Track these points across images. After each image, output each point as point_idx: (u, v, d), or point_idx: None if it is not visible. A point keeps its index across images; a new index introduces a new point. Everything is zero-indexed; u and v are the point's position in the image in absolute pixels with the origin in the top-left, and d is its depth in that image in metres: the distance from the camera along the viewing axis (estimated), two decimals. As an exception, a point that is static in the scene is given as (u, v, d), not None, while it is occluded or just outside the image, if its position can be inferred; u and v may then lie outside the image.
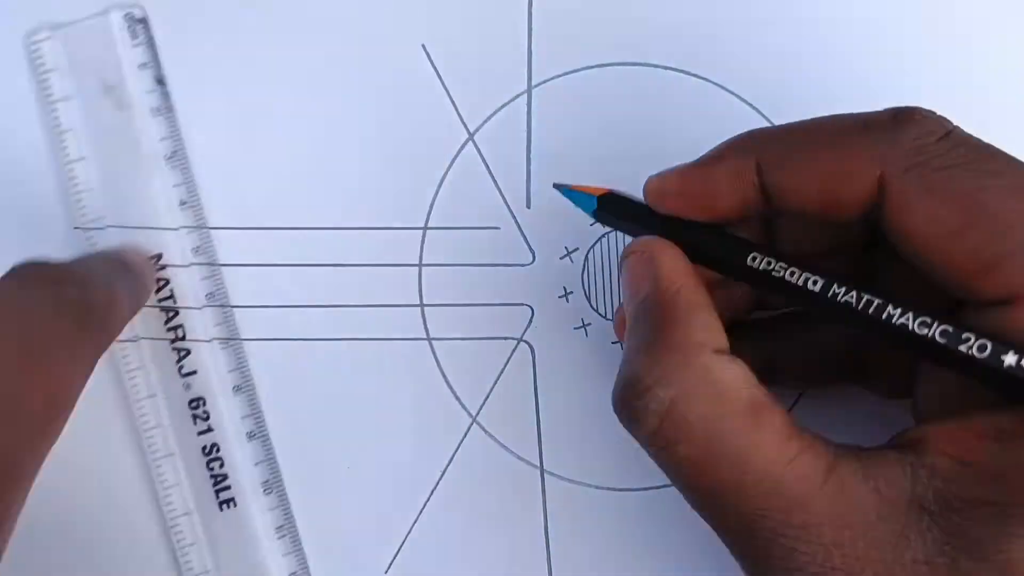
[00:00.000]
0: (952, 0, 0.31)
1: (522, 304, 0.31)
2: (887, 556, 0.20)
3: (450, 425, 0.31)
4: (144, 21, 0.30)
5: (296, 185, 0.31)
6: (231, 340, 0.31)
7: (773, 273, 0.22)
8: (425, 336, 0.31)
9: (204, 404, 0.30)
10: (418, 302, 0.31)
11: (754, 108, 0.31)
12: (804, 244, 0.25)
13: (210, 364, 0.30)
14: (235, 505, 0.30)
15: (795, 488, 0.20)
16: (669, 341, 0.22)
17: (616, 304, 0.31)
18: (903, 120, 0.22)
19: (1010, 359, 0.20)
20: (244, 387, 0.31)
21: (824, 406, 0.29)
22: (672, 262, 0.23)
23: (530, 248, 0.31)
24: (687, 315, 0.22)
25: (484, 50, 0.31)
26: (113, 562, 0.30)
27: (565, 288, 0.31)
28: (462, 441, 0.31)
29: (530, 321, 0.31)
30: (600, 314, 0.31)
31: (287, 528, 0.30)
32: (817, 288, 0.22)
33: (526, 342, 0.31)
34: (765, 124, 0.31)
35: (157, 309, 0.30)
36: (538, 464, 0.31)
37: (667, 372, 0.21)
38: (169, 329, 0.30)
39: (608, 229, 0.30)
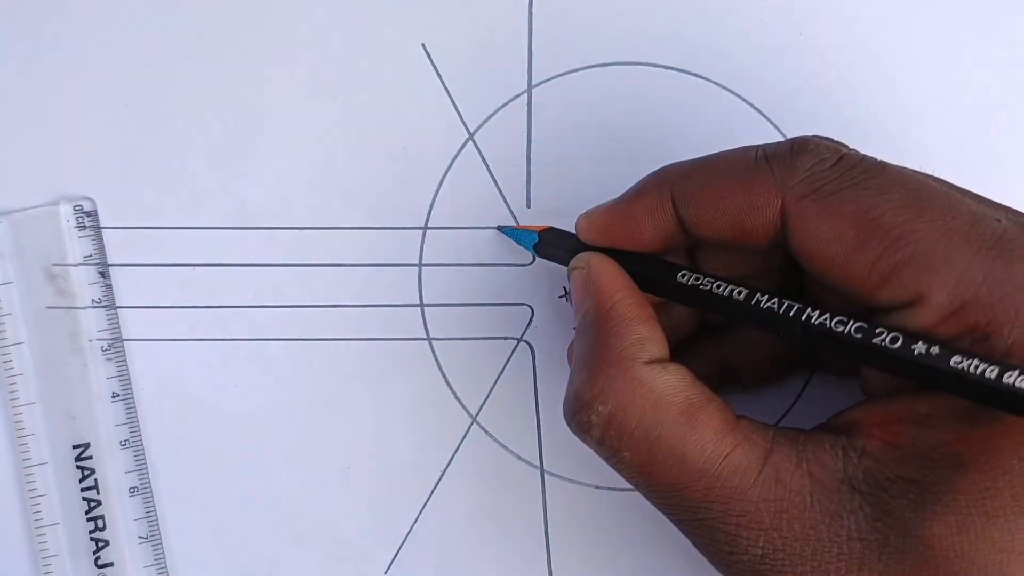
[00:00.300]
0: (951, 0, 0.31)
1: (522, 304, 0.31)
2: (823, 535, 0.22)
3: (450, 425, 0.31)
4: (93, 214, 0.30)
5: (296, 185, 0.31)
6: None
7: (701, 288, 0.24)
8: (425, 336, 0.31)
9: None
10: (418, 302, 0.31)
11: (754, 108, 0.31)
12: (727, 270, 0.27)
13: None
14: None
15: (732, 480, 0.22)
16: (605, 355, 0.24)
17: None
18: (799, 150, 0.23)
19: (920, 348, 0.21)
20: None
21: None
22: (607, 277, 0.25)
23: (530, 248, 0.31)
24: (621, 329, 0.24)
25: (484, 50, 0.31)
26: None
27: (565, 288, 0.31)
28: (462, 441, 0.31)
29: (530, 321, 0.31)
30: (600, 314, 0.31)
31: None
32: (741, 298, 0.24)
33: (526, 342, 0.31)
34: (765, 124, 0.31)
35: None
36: (538, 464, 0.31)
37: (604, 386, 0.23)
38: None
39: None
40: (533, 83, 0.31)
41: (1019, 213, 0.23)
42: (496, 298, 0.31)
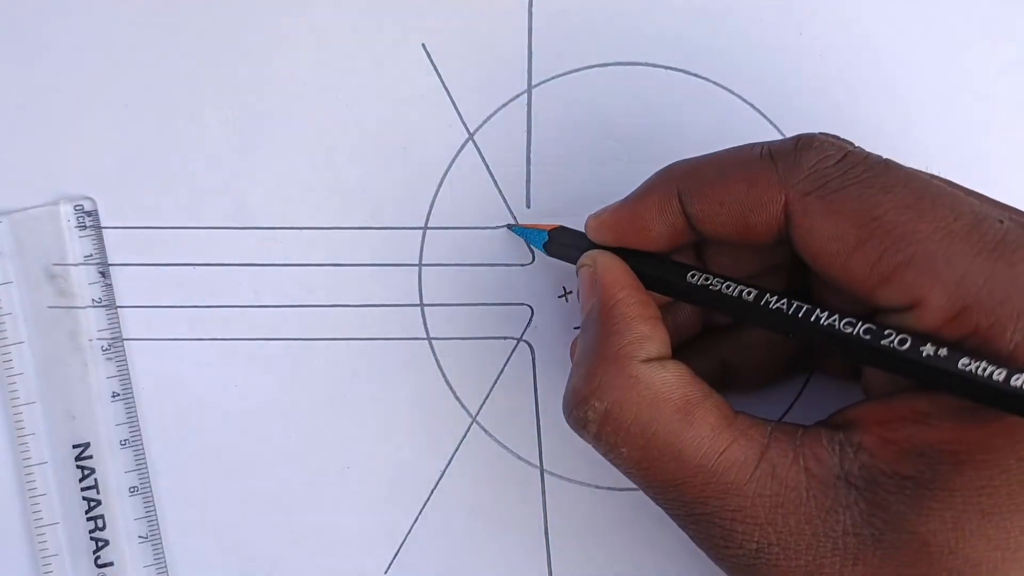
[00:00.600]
0: (951, 0, 0.31)
1: (522, 304, 0.31)
2: (818, 530, 0.22)
3: (450, 425, 0.31)
4: (93, 214, 0.30)
5: (296, 185, 0.31)
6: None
7: (711, 288, 0.24)
8: (425, 336, 0.31)
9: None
10: (418, 302, 0.31)
11: (754, 108, 0.31)
12: (734, 268, 0.27)
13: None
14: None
15: (728, 475, 0.22)
16: (604, 352, 0.24)
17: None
18: (803, 147, 0.23)
19: (928, 350, 0.21)
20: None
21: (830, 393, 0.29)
22: (612, 275, 0.25)
23: (530, 248, 0.31)
24: (622, 326, 0.24)
25: (484, 50, 0.31)
26: None
27: (565, 288, 0.31)
28: (462, 441, 0.31)
29: (530, 321, 0.31)
30: (600, 314, 0.31)
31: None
32: (751, 298, 0.24)
33: (526, 342, 0.31)
34: (765, 124, 0.31)
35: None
36: (538, 464, 0.31)
37: (602, 382, 0.24)
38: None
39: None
40: (533, 83, 0.31)
41: (1022, 213, 0.23)
42: (496, 298, 0.31)
